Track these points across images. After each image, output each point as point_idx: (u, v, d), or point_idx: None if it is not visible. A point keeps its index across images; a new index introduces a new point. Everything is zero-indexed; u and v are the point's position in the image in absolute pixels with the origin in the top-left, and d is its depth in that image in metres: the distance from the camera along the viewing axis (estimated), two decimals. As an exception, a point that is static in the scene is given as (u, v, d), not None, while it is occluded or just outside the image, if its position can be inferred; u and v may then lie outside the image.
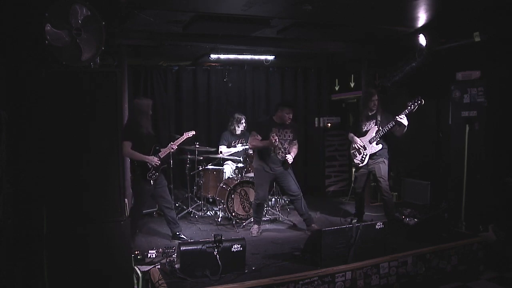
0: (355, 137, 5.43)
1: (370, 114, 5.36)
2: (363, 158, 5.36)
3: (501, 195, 5.01)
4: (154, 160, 4.78)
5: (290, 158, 5.17)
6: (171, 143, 5.13)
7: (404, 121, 5.05)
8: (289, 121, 5.20)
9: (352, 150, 5.50)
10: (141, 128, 4.78)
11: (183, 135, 5.31)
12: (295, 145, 5.34)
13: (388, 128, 5.16)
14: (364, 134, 5.38)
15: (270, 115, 5.41)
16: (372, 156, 5.33)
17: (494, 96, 5.09)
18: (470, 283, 4.34)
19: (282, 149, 5.17)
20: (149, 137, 4.86)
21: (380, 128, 5.23)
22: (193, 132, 5.39)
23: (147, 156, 4.75)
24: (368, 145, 5.32)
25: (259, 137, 5.18)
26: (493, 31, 4.94)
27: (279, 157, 5.18)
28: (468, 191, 5.19)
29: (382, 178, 5.29)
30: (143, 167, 4.78)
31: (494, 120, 5.10)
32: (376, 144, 5.28)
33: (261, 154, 5.24)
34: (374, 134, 5.28)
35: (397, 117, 5.08)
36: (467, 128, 5.21)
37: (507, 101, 5.08)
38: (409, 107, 5.05)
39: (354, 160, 5.48)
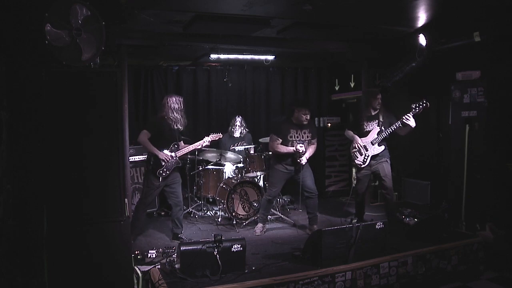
0: (356, 136, 5.34)
1: (372, 114, 5.30)
2: (365, 160, 5.28)
3: (502, 182, 4.99)
4: (164, 155, 4.77)
5: (304, 160, 5.11)
6: (195, 144, 5.10)
7: (411, 123, 4.92)
8: (306, 121, 5.10)
9: (353, 150, 5.41)
10: (166, 124, 4.81)
11: (208, 136, 5.23)
12: (313, 144, 5.26)
13: (392, 129, 5.07)
14: (365, 134, 5.31)
15: (287, 115, 5.26)
16: (374, 157, 5.26)
17: (494, 96, 5.09)
18: (470, 283, 4.35)
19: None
20: (172, 134, 4.88)
21: (383, 128, 5.17)
22: (220, 135, 5.34)
23: (158, 151, 4.75)
24: (369, 146, 5.25)
25: (280, 140, 5.09)
26: (493, 31, 4.94)
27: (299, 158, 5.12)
28: (468, 191, 5.19)
29: (387, 178, 5.24)
30: (156, 163, 4.78)
31: (494, 120, 5.09)
32: (378, 145, 5.22)
33: (282, 154, 5.15)
34: (376, 136, 5.21)
35: (403, 117, 4.94)
36: (467, 128, 5.20)
37: (507, 101, 5.07)
38: (413, 110, 4.93)
39: (356, 161, 5.41)
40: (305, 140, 5.17)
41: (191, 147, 5.09)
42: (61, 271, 3.14)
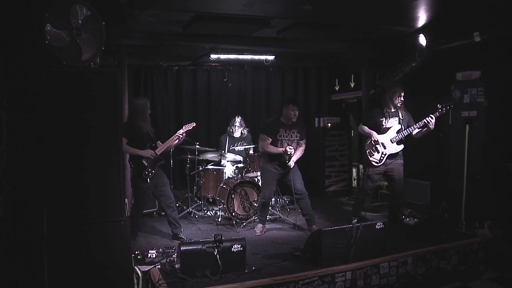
0: (374, 132, 5.12)
1: (392, 110, 5.13)
2: (382, 158, 5.11)
3: (502, 182, 4.97)
4: (149, 153, 4.77)
5: (292, 163, 5.10)
6: (171, 138, 5.04)
7: (432, 125, 4.80)
8: (295, 118, 5.11)
9: (370, 147, 5.18)
10: (138, 127, 4.81)
11: (182, 128, 5.14)
12: (302, 146, 5.26)
13: (412, 129, 4.99)
14: (383, 131, 5.12)
15: (277, 115, 5.31)
16: (391, 156, 5.11)
17: (494, 96, 5.08)
18: (470, 283, 4.34)
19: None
20: (146, 136, 4.87)
21: (402, 126, 5.06)
22: (193, 124, 5.19)
23: (140, 150, 4.76)
24: (388, 144, 5.08)
25: (269, 140, 5.12)
26: (493, 31, 4.94)
27: (288, 161, 5.11)
28: (468, 191, 5.19)
29: (400, 181, 5.17)
30: (139, 165, 4.79)
31: (494, 120, 5.09)
32: (398, 144, 5.08)
33: (271, 155, 5.18)
34: (395, 134, 5.06)
35: (427, 117, 4.79)
36: (467, 128, 5.20)
37: (507, 101, 5.07)
38: (439, 110, 4.83)
39: (370, 158, 5.18)
40: (293, 140, 5.19)
41: (168, 143, 5.01)
42: (61, 271, 3.14)
